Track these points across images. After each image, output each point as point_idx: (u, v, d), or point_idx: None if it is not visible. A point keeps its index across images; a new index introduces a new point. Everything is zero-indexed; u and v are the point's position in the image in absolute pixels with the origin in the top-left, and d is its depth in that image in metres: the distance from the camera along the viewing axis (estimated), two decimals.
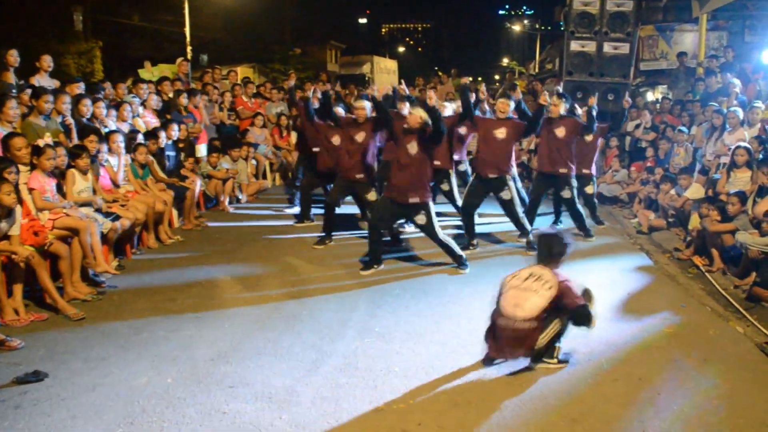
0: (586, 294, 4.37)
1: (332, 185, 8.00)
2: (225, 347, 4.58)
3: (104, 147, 6.96)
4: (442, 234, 6.53)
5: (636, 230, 8.58)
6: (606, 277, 6.40)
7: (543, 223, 8.06)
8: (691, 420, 3.66)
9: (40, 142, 5.91)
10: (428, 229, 6.48)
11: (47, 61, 8.23)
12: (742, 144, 7.51)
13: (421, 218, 6.41)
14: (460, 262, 6.59)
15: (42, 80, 8.02)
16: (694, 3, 12.27)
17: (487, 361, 4.34)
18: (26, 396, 3.84)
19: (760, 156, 7.50)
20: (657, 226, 8.48)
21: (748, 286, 5.89)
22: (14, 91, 7.34)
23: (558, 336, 4.23)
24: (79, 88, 7.92)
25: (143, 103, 9.18)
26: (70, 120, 6.96)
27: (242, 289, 5.94)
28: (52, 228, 5.61)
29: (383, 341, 4.71)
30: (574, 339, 4.74)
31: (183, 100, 9.69)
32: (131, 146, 7.61)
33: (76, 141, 6.82)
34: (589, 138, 8.16)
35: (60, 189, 6.09)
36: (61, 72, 19.96)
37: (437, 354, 4.49)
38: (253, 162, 10.97)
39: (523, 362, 4.26)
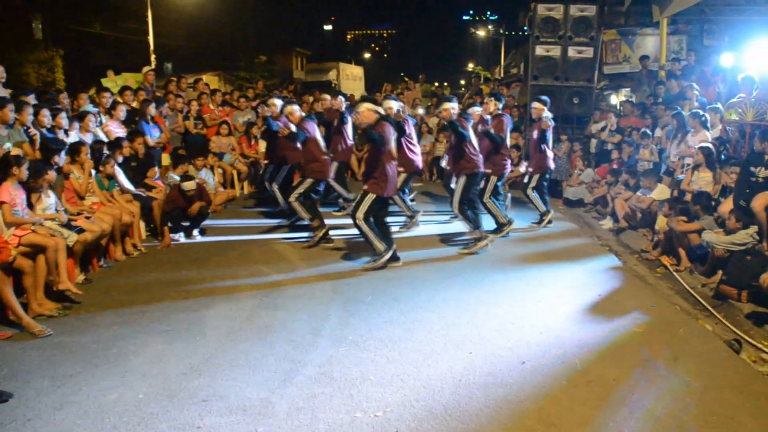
0: None
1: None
2: (197, 360, 4.51)
3: (68, 159, 6.81)
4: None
5: (608, 229, 8.76)
6: (576, 279, 6.49)
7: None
8: (663, 418, 3.71)
9: (16, 151, 5.73)
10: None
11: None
12: (704, 145, 7.68)
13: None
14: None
15: None
16: (654, 8, 12.51)
17: None
18: None
19: (722, 156, 7.68)
20: (622, 225, 8.65)
21: (715, 285, 6.01)
22: None
23: None
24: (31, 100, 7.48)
25: (108, 112, 9.01)
26: (34, 131, 6.80)
27: (213, 301, 5.84)
28: (18, 245, 5.44)
29: (357, 349, 4.69)
30: (547, 340, 4.81)
31: (151, 109, 9.53)
32: (95, 157, 7.45)
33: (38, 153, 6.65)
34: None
35: (29, 201, 5.90)
36: (21, 81, 19.51)
37: (412, 361, 4.48)
38: (221, 171, 10.84)
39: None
